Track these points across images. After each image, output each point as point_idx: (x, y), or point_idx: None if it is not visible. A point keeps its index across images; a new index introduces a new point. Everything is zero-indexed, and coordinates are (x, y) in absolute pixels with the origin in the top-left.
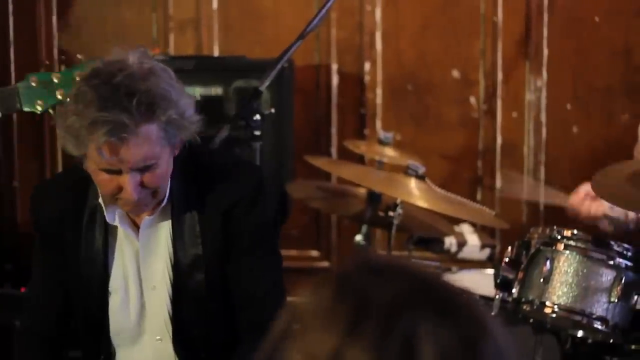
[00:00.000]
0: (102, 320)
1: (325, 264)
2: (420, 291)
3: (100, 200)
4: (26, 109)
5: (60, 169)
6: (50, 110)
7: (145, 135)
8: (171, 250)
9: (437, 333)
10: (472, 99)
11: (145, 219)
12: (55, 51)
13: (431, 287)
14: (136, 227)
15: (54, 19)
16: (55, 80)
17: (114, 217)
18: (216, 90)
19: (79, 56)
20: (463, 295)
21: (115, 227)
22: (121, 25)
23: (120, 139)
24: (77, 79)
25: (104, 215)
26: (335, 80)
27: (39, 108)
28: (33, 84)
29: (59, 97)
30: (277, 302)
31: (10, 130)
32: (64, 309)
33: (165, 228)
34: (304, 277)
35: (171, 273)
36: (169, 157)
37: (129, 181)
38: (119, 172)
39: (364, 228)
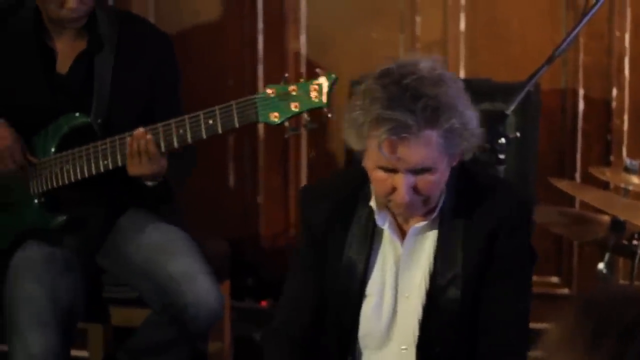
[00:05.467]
0: (353, 322)
1: (565, 290)
2: None
3: (371, 203)
4: (262, 121)
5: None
6: (286, 124)
7: (426, 139)
8: (432, 262)
9: None
10: None
11: (413, 227)
12: (304, 69)
13: None
14: (402, 235)
15: (303, 37)
16: (293, 93)
17: (385, 222)
18: None
19: (317, 70)
20: None
21: (381, 232)
22: (368, 44)
23: (401, 138)
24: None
25: (372, 220)
26: (581, 105)
27: (275, 120)
28: (270, 96)
29: (295, 109)
30: (519, 332)
31: (256, 146)
32: (317, 313)
33: (430, 239)
34: (543, 303)
35: (428, 285)
36: (446, 167)
37: (402, 182)
38: (394, 171)
39: (607, 256)
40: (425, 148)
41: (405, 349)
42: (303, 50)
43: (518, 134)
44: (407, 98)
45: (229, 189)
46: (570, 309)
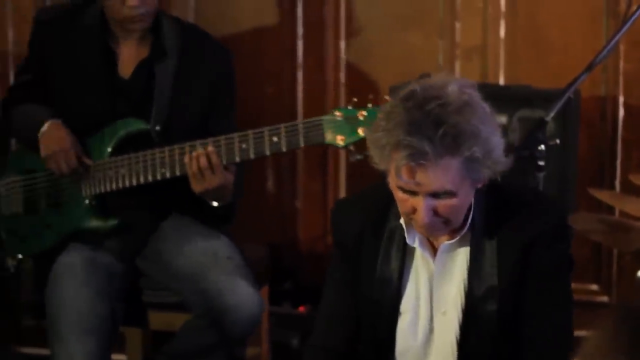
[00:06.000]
0: (389, 339)
1: (604, 298)
2: None
3: (401, 221)
4: (327, 142)
5: (342, 192)
6: (351, 147)
7: (445, 166)
8: (466, 277)
9: None
10: None
11: (444, 244)
12: (342, 75)
13: None
14: (434, 250)
15: (342, 43)
16: (360, 118)
17: (414, 239)
18: (501, 119)
19: (386, 97)
20: None
21: (413, 249)
22: (408, 50)
23: (418, 165)
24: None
25: (403, 236)
26: (621, 112)
27: (340, 143)
28: (338, 118)
29: (361, 134)
30: (562, 343)
31: (295, 151)
32: (354, 327)
33: (463, 255)
34: (582, 311)
35: (463, 300)
36: (469, 191)
37: (422, 205)
38: (414, 194)
39: None
40: (444, 175)
41: None
42: (342, 56)
43: (558, 141)
44: (428, 124)
45: (267, 194)
46: (608, 317)
